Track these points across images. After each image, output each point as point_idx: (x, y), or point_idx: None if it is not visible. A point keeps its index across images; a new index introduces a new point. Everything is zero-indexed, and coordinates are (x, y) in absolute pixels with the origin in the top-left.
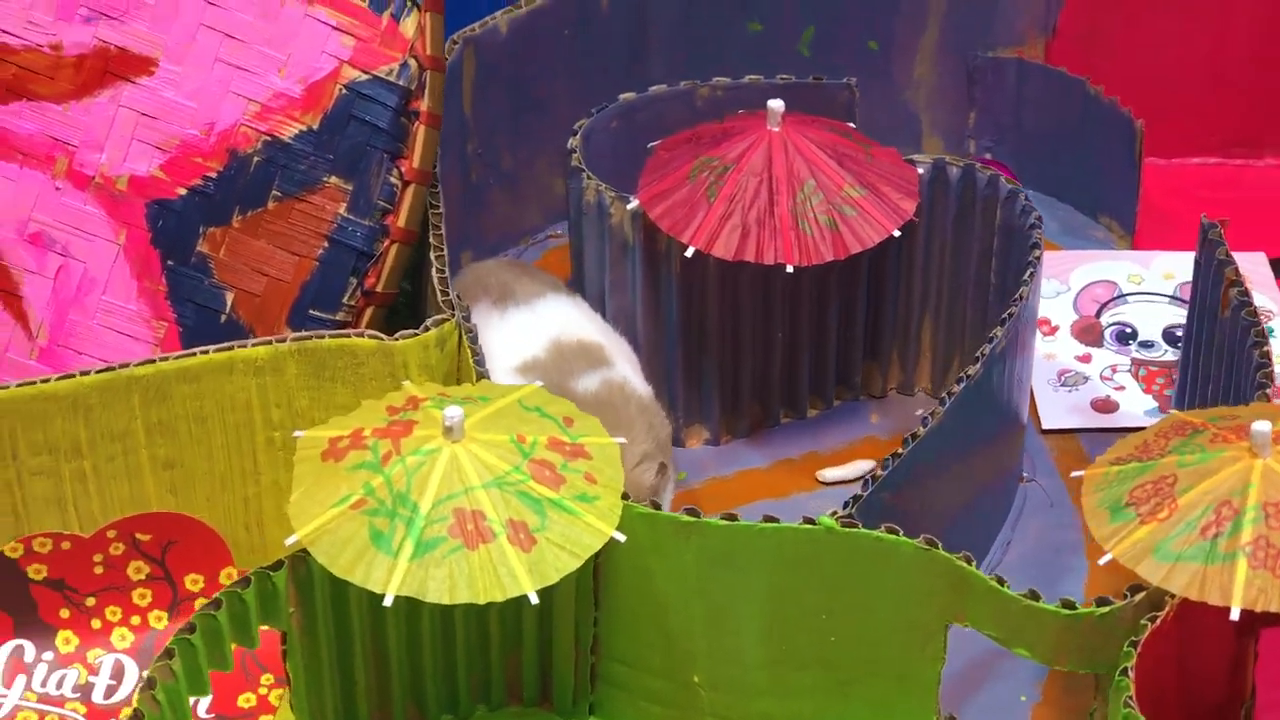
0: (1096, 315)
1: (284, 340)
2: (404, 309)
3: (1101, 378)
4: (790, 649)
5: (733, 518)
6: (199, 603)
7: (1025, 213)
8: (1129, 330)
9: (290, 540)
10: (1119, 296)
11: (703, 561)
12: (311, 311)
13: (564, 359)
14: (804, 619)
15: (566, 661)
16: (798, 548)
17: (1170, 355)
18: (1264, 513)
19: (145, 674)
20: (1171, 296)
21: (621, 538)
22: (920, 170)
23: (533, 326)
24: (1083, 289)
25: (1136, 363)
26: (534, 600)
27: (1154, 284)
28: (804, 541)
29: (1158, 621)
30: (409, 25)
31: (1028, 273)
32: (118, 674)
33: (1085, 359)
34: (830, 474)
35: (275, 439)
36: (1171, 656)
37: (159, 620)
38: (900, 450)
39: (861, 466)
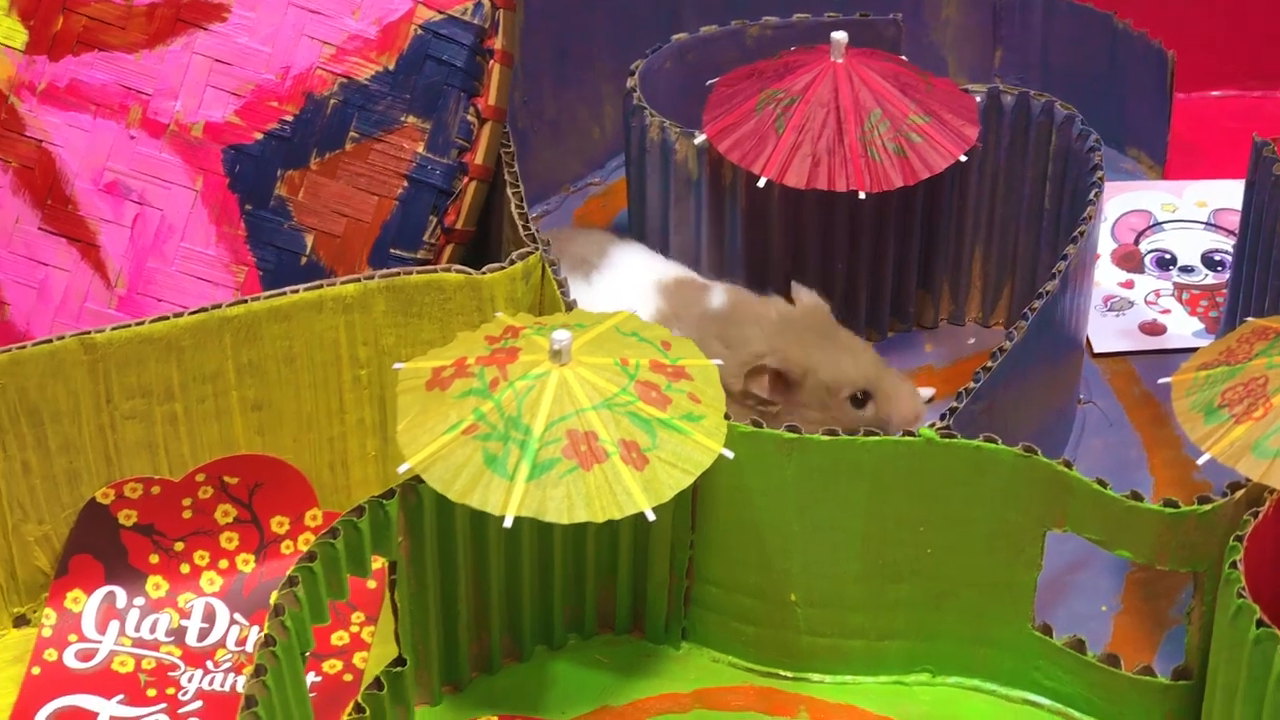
0: (1135, 243)
1: (372, 277)
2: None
3: (1146, 302)
4: (887, 562)
5: (834, 433)
6: (285, 546)
7: (1083, 136)
8: (1168, 256)
9: (403, 468)
10: (1155, 225)
11: (803, 477)
12: (392, 251)
13: (677, 297)
14: (901, 531)
15: (660, 587)
16: (897, 460)
17: (1211, 279)
18: None
19: (272, 601)
20: (1206, 223)
21: (730, 455)
22: (977, 99)
23: (624, 286)
24: (1119, 218)
25: (1179, 287)
26: (651, 517)
27: (1188, 212)
28: (904, 454)
29: (1260, 516)
30: None
31: (1093, 192)
32: (209, 617)
33: (1128, 285)
34: None
35: (361, 377)
36: (1268, 557)
37: (246, 564)
38: (989, 364)
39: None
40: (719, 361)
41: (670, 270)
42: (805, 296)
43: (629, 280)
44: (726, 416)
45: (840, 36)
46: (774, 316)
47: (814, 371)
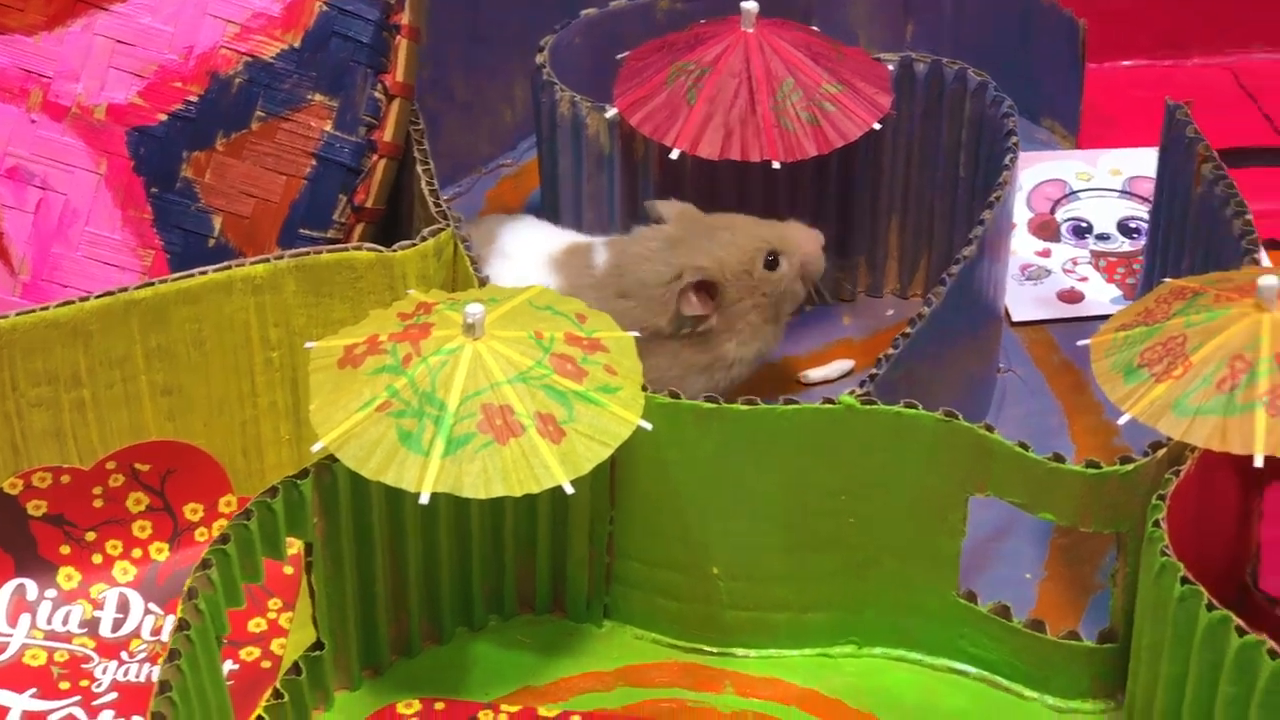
0: (1051, 212)
1: (281, 257)
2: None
3: (1064, 270)
4: (809, 532)
5: (753, 403)
6: (199, 533)
7: (996, 102)
8: (1084, 224)
9: (316, 447)
10: (1070, 194)
11: (723, 448)
12: (302, 231)
13: (568, 269)
14: (823, 501)
15: (581, 564)
16: (818, 428)
17: (1127, 246)
18: (1277, 364)
19: (185, 585)
20: (1121, 191)
21: (648, 426)
22: (889, 68)
23: (519, 272)
24: (1034, 188)
25: (1096, 254)
26: (569, 490)
27: (1102, 180)
28: (824, 421)
29: (1181, 475)
30: None
31: (1008, 158)
32: (123, 607)
33: (1045, 254)
34: (814, 374)
35: (273, 359)
36: (1189, 518)
37: (159, 552)
38: (908, 330)
39: (842, 366)
40: (636, 333)
41: (557, 241)
42: (668, 208)
43: (522, 264)
44: (644, 388)
45: (750, 6)
46: (657, 243)
47: (725, 263)
